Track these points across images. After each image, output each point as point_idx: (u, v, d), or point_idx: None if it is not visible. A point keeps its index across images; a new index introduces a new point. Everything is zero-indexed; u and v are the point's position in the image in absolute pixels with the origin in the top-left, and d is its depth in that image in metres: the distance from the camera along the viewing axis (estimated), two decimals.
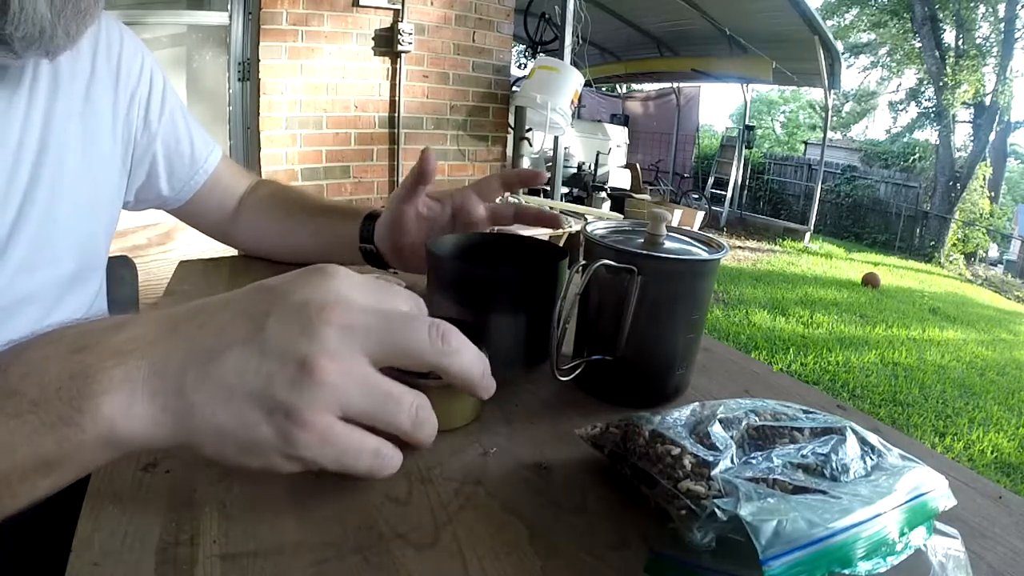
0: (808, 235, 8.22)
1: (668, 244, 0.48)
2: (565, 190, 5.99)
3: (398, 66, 3.22)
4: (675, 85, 10.65)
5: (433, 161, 0.60)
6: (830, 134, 10.45)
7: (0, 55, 0.45)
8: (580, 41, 3.78)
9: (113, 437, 0.27)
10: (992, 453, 2.80)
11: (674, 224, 0.52)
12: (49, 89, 0.55)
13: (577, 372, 0.48)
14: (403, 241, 0.65)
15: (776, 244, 7.86)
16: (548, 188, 4.25)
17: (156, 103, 0.67)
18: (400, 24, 3.14)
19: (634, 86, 12.18)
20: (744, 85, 8.76)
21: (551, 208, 0.79)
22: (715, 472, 0.31)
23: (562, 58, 3.57)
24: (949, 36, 10.95)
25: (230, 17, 2.87)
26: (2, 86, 0.50)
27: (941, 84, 10.63)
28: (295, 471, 0.30)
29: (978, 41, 10.94)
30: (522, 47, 7.19)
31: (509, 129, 3.64)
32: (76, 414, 0.26)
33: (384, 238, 0.67)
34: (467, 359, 0.33)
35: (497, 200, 0.64)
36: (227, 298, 0.31)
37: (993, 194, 10.93)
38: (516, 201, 0.73)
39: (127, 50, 0.63)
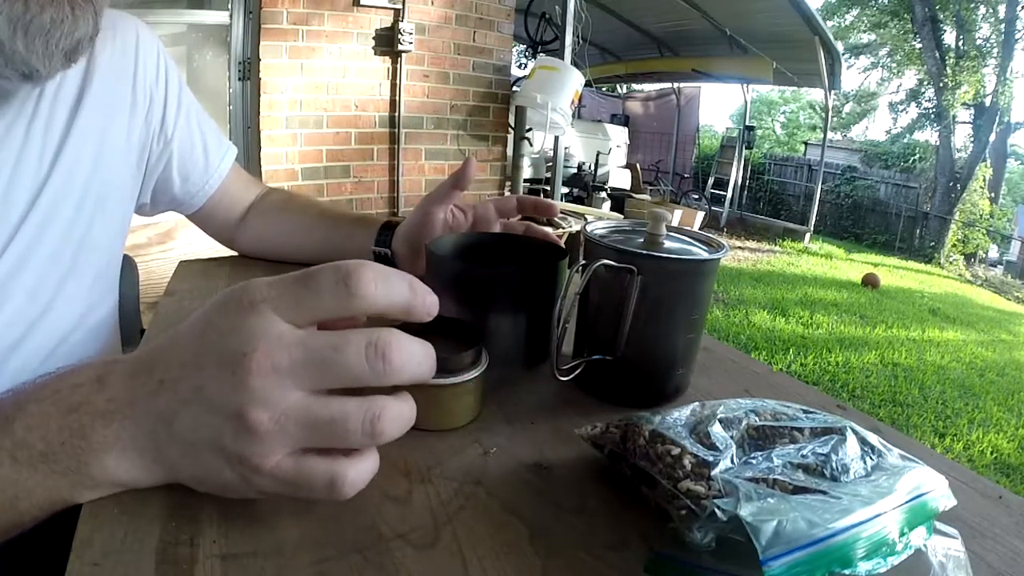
0: (808, 235, 8.21)
1: (668, 244, 0.48)
2: (565, 190, 5.99)
3: (398, 66, 3.22)
4: (675, 85, 10.65)
5: (474, 168, 0.62)
6: (830, 135, 10.45)
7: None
8: (580, 41, 3.77)
9: (119, 482, 0.32)
10: (992, 453, 2.80)
11: (674, 224, 0.52)
12: (74, 101, 0.55)
13: (577, 372, 0.48)
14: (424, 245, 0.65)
15: (776, 244, 7.86)
16: (548, 188, 4.25)
17: (172, 107, 0.67)
18: (400, 24, 3.14)
19: (634, 86, 12.18)
20: (744, 85, 8.76)
21: None
22: (715, 472, 0.31)
23: (562, 58, 3.57)
24: (949, 37, 10.95)
25: (231, 16, 2.86)
26: (24, 104, 0.51)
27: (941, 85, 10.63)
28: (278, 495, 0.31)
29: (978, 42, 10.94)
30: (522, 47, 7.19)
31: (509, 129, 3.64)
32: (84, 466, 0.31)
33: (404, 242, 0.67)
34: (410, 374, 0.30)
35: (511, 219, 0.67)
36: (179, 346, 0.31)
37: (993, 195, 10.92)
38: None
39: (144, 51, 0.63)
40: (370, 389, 0.30)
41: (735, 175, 8.99)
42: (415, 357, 0.30)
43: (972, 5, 10.77)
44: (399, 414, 0.30)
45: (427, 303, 0.31)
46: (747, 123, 9.33)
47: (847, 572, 0.27)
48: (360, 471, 0.31)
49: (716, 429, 0.34)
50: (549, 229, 0.70)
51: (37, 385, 0.32)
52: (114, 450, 0.31)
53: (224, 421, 0.28)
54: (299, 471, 0.29)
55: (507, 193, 3.65)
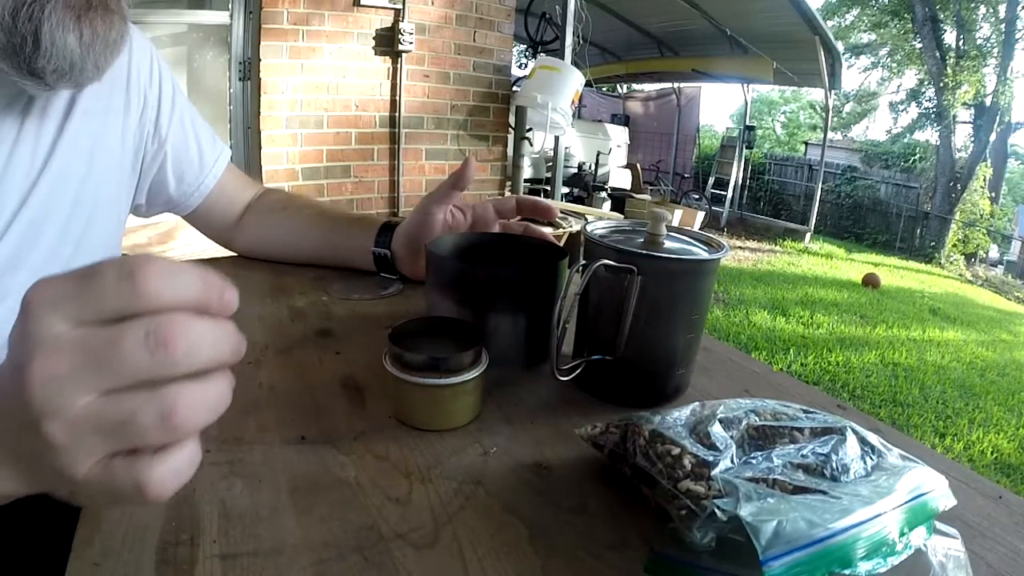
0: (808, 235, 8.21)
1: (668, 244, 0.48)
2: (565, 190, 5.99)
3: (399, 66, 3.22)
4: (675, 85, 10.64)
5: (473, 168, 0.63)
6: (830, 134, 10.44)
7: (32, 86, 0.47)
8: (581, 41, 3.77)
9: None
10: (992, 453, 2.80)
11: (674, 224, 0.52)
12: (69, 97, 0.56)
13: (577, 372, 0.48)
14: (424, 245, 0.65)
15: (776, 244, 7.85)
16: (548, 188, 4.25)
17: (167, 107, 0.67)
18: (401, 24, 3.14)
19: (634, 86, 12.17)
20: (745, 85, 8.76)
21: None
22: (715, 472, 0.31)
23: (563, 58, 3.57)
24: (950, 37, 10.94)
25: (231, 16, 2.86)
26: (16, 99, 0.51)
27: (942, 85, 10.62)
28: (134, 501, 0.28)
29: (979, 42, 10.93)
30: (523, 47, 7.18)
31: (510, 129, 3.64)
32: None
33: (403, 242, 0.68)
34: (205, 357, 0.26)
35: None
36: None
37: (993, 195, 10.91)
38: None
39: (137, 52, 0.63)
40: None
41: (735, 175, 8.99)
42: (205, 338, 0.26)
43: (972, 5, 10.76)
44: (201, 399, 0.27)
45: (223, 297, 0.27)
46: (747, 123, 9.32)
47: (847, 572, 0.27)
48: (168, 470, 0.27)
49: (716, 429, 0.34)
50: (548, 229, 0.70)
51: None
52: None
53: (30, 436, 0.26)
54: (104, 478, 0.27)
55: (507, 193, 3.65)
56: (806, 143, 14.44)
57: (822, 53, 6.91)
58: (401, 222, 0.70)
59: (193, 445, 0.28)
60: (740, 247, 7.30)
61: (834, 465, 0.33)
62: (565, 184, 5.92)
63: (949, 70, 10.42)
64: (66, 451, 0.26)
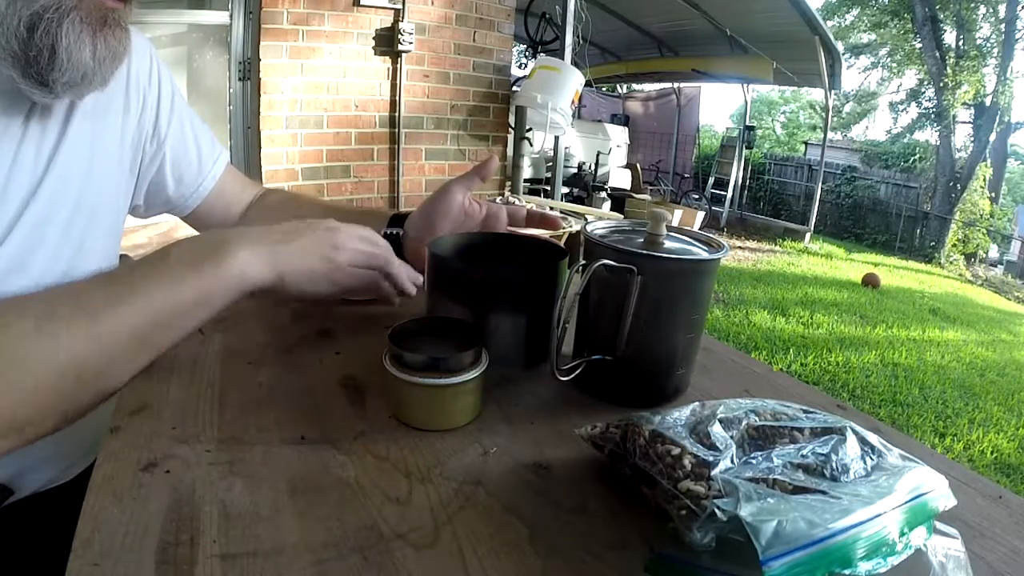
0: (808, 235, 8.21)
1: (668, 244, 0.48)
2: (565, 190, 5.98)
3: (399, 66, 3.22)
4: (675, 85, 10.64)
5: (496, 164, 0.69)
6: (830, 134, 10.43)
7: (40, 95, 0.48)
8: (581, 41, 3.77)
9: (243, 276, 0.47)
10: (992, 453, 2.80)
11: (674, 224, 0.52)
12: (66, 108, 0.56)
13: (577, 372, 0.48)
14: (440, 227, 0.67)
15: (776, 244, 7.85)
16: (548, 188, 4.25)
17: (166, 108, 0.67)
18: (401, 24, 3.14)
19: (634, 86, 12.16)
20: (744, 85, 8.76)
21: (551, 208, 0.82)
22: (715, 472, 0.31)
23: (563, 58, 3.57)
24: (950, 37, 10.93)
25: (231, 16, 2.86)
26: (19, 103, 0.52)
27: (941, 85, 10.61)
28: (332, 295, 0.55)
29: (978, 42, 10.92)
30: (523, 47, 7.18)
31: (509, 129, 3.64)
32: (223, 263, 0.46)
33: (419, 224, 0.69)
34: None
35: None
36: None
37: (993, 195, 10.91)
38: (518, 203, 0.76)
39: (137, 54, 0.64)
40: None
41: (735, 175, 8.98)
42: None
43: (972, 5, 10.75)
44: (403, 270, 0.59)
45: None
46: (747, 123, 9.32)
47: (847, 572, 0.27)
48: (400, 274, 0.59)
49: (716, 429, 0.34)
50: (544, 202, 0.72)
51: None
52: (245, 250, 0.48)
53: (322, 247, 0.53)
54: (358, 271, 0.55)
55: (507, 193, 3.64)
56: (806, 143, 14.44)
57: (822, 53, 6.91)
58: (409, 214, 0.71)
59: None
60: (740, 247, 7.30)
61: (834, 465, 0.33)
62: (565, 184, 5.91)
63: (949, 70, 10.42)
64: (342, 254, 0.54)
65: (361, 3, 3.03)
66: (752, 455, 0.33)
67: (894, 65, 14.59)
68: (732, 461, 0.32)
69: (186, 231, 0.80)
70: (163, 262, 0.45)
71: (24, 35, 0.44)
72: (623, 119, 10.39)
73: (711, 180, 9.43)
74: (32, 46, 0.44)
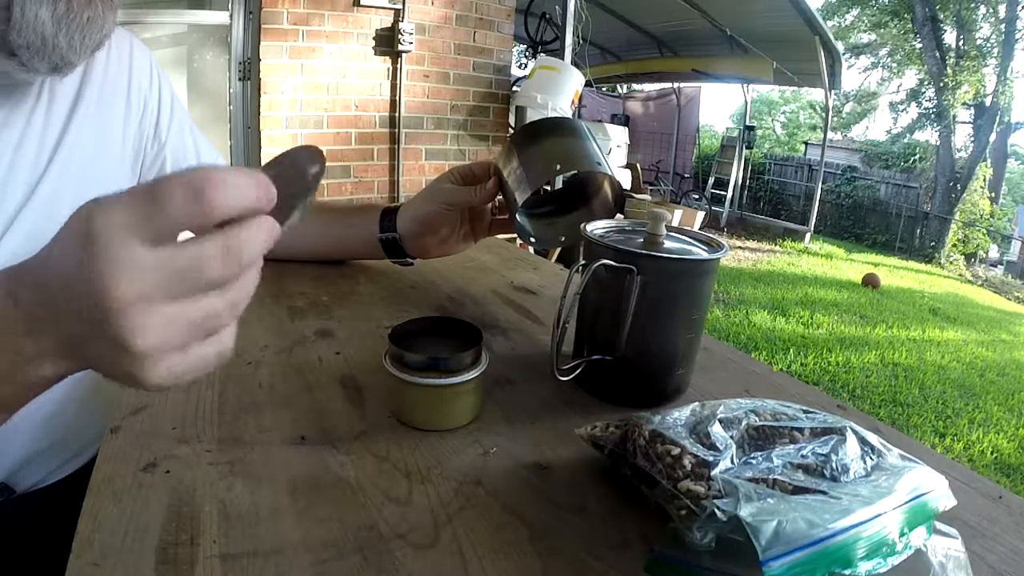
0: (808, 235, 8.21)
1: (668, 244, 0.48)
2: None
3: (399, 66, 3.22)
4: (675, 85, 10.64)
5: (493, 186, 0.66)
6: (830, 134, 10.43)
7: (13, 68, 0.47)
8: (580, 41, 3.77)
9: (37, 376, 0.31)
10: (992, 453, 2.80)
11: (674, 224, 0.52)
12: (72, 100, 0.57)
13: (577, 372, 0.48)
14: (435, 224, 0.68)
15: (776, 244, 7.85)
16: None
17: (166, 112, 0.69)
18: (401, 24, 3.14)
19: (634, 86, 12.16)
20: (744, 85, 8.76)
21: None
22: (715, 472, 0.31)
23: (562, 58, 3.57)
24: (950, 37, 10.94)
25: (231, 16, 2.86)
26: (24, 98, 0.52)
27: (942, 85, 10.62)
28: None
29: (979, 42, 10.92)
30: (522, 47, 7.18)
31: (509, 129, 3.64)
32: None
33: (413, 229, 0.69)
34: (260, 253, 0.30)
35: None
36: (44, 281, 0.30)
37: (993, 195, 10.91)
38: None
39: (137, 59, 0.65)
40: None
41: (735, 175, 8.98)
42: (264, 240, 0.30)
43: (972, 5, 10.75)
44: (253, 282, 0.31)
45: (268, 194, 0.30)
46: (747, 123, 9.33)
47: (847, 572, 0.27)
48: (224, 344, 0.31)
49: (716, 429, 0.34)
50: None
51: None
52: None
53: (106, 344, 0.28)
54: (172, 369, 0.29)
55: None
56: (806, 143, 14.44)
57: (822, 53, 6.91)
58: (401, 205, 0.71)
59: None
60: (740, 247, 7.30)
61: (834, 465, 0.33)
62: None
63: (949, 70, 10.42)
64: (146, 356, 0.28)
65: (361, 3, 3.03)
66: (752, 455, 0.33)
67: (894, 65, 14.60)
68: (732, 461, 0.32)
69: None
70: None
71: None
72: (623, 119, 10.39)
73: (711, 180, 9.43)
74: None
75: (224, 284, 0.29)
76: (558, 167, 0.60)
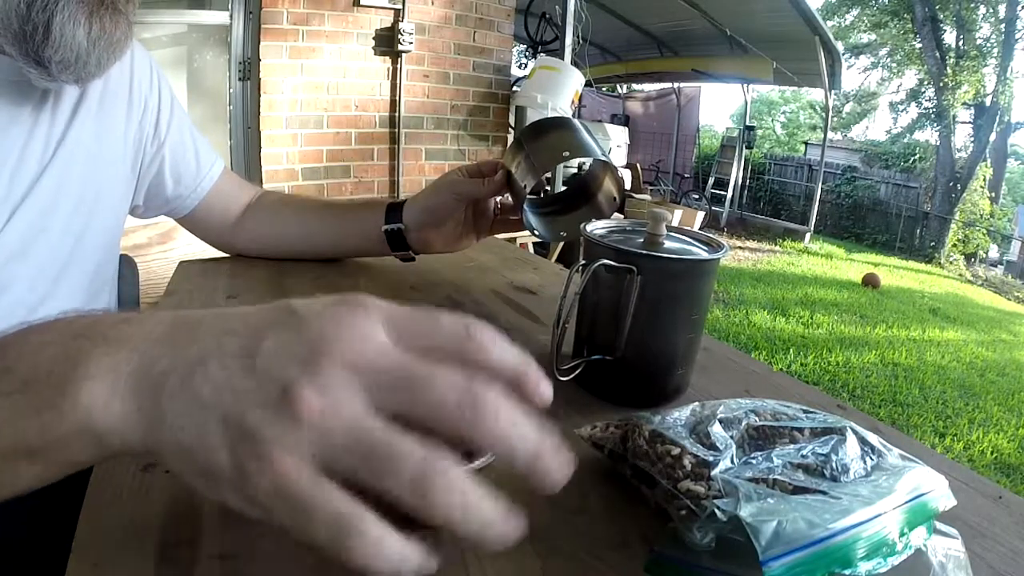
0: (808, 235, 8.21)
1: (668, 244, 0.48)
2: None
3: (399, 66, 3.22)
4: (675, 85, 10.64)
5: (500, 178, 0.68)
6: (830, 134, 10.44)
7: (36, 76, 0.48)
8: (580, 41, 3.78)
9: (89, 427, 0.25)
10: (992, 453, 2.80)
11: (674, 224, 0.52)
12: (76, 98, 0.58)
13: (577, 372, 0.48)
14: (443, 216, 0.70)
15: (776, 244, 7.85)
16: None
17: (165, 112, 0.70)
18: (401, 24, 3.14)
19: (634, 86, 12.16)
20: (744, 85, 8.76)
21: None
22: (715, 472, 0.31)
23: (562, 58, 3.57)
24: (950, 37, 10.94)
25: (231, 16, 2.86)
26: (31, 94, 0.53)
27: (941, 85, 10.62)
28: (252, 515, 0.24)
29: (978, 42, 10.92)
30: (523, 47, 7.18)
31: (509, 129, 3.64)
32: (59, 398, 0.24)
33: (421, 218, 0.71)
34: (509, 443, 0.24)
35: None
36: (245, 311, 0.27)
37: (993, 195, 10.91)
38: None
39: (138, 61, 0.66)
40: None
41: (735, 175, 8.99)
42: (517, 425, 0.23)
43: (972, 5, 10.75)
44: (460, 488, 0.22)
45: (539, 387, 0.25)
46: (747, 123, 9.32)
47: (847, 572, 0.27)
48: (382, 538, 0.22)
49: (716, 429, 0.34)
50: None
51: (54, 318, 0.28)
52: (101, 382, 0.25)
53: (261, 388, 0.23)
54: (312, 491, 0.22)
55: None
56: (806, 143, 14.45)
57: (822, 53, 6.91)
58: (404, 201, 0.73)
59: (408, 543, 0.23)
60: (740, 247, 7.30)
61: (834, 465, 0.33)
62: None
63: (949, 70, 10.42)
64: (297, 425, 0.22)
65: (361, 3, 3.03)
66: (752, 455, 0.33)
67: (894, 65, 14.60)
68: (732, 461, 0.32)
69: (184, 234, 0.80)
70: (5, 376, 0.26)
71: (24, 11, 0.45)
72: (623, 119, 10.39)
73: (711, 180, 9.43)
74: (29, 21, 0.45)
75: (440, 425, 0.23)
76: (566, 154, 0.63)
